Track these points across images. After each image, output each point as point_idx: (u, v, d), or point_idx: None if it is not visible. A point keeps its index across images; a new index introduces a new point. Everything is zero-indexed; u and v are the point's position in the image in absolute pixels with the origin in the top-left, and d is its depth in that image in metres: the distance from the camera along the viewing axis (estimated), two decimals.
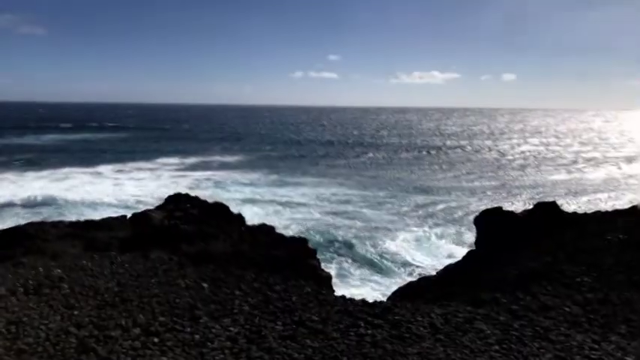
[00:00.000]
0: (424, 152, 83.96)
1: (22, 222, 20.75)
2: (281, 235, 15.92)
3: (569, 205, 37.42)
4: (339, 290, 14.40)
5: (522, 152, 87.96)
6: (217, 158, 68.27)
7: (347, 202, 38.30)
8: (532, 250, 13.64)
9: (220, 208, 17.43)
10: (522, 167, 67.19)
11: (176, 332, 8.56)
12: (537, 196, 40.82)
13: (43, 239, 14.39)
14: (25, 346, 8.13)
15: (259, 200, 39.02)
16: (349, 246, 27.25)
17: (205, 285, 11.26)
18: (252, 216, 28.63)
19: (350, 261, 24.98)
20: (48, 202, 37.69)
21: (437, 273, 17.22)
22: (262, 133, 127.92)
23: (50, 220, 19.49)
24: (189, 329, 8.68)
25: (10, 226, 18.96)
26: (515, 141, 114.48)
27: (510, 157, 79.62)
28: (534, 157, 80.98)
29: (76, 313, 9.58)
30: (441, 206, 37.15)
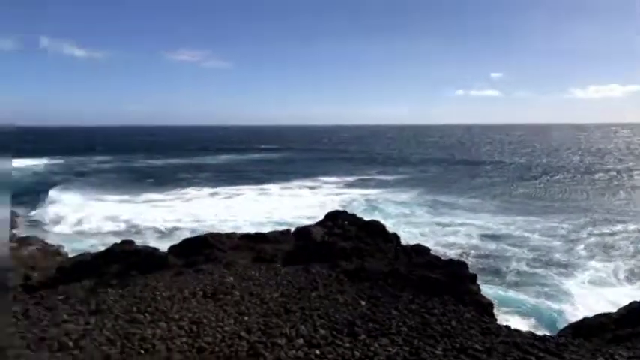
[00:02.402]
0: (613, 173, 73.53)
1: (201, 232, 23.26)
2: (437, 257, 15.49)
3: None
4: (499, 320, 13.41)
5: None
6: (374, 177, 69.01)
7: (511, 226, 35.62)
8: None
9: (377, 227, 17.61)
10: None
11: (336, 346, 8.77)
12: None
13: (220, 249, 15.93)
14: (205, 344, 9.04)
15: (414, 220, 38.42)
16: (513, 274, 25.32)
17: (363, 302, 11.40)
18: (407, 235, 28.29)
19: (512, 290, 23.16)
20: (222, 215, 41.62)
21: (618, 310, 15.13)
22: (419, 152, 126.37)
23: (223, 231, 21.38)
24: (348, 345, 8.83)
25: (188, 236, 21.43)
26: None
27: None
28: None
29: (246, 318, 10.39)
30: (626, 238, 32.58)
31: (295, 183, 62.70)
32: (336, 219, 18.61)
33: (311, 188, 58.53)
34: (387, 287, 12.58)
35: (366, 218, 19.39)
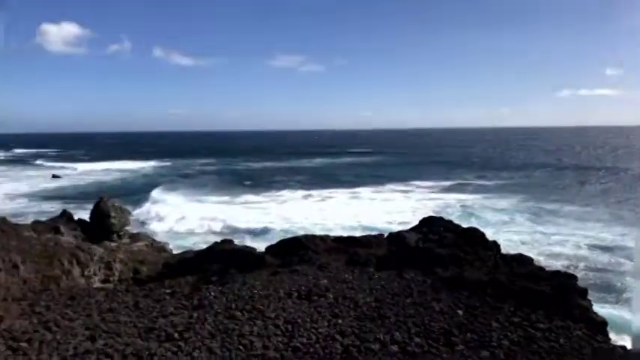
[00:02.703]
0: None
1: (294, 234, 23.70)
2: (541, 268, 14.49)
3: None
4: (613, 341, 12.20)
5: None
6: (471, 182, 66.27)
7: (627, 237, 32.37)
8: None
9: (475, 234, 16.85)
10: None
11: (432, 356, 8.49)
12: None
13: (314, 251, 16.13)
14: (300, 345, 9.16)
15: (515, 228, 36.41)
16: (629, 291, 23.06)
17: (460, 312, 10.94)
18: (507, 244, 26.83)
19: (628, 309, 21.11)
20: (314, 218, 42.23)
21: None
22: (521, 156, 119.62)
23: (314, 233, 21.60)
24: (445, 355, 8.51)
25: (281, 237, 21.93)
26: None
27: None
28: None
29: (340, 321, 10.39)
30: None
31: (387, 187, 62.12)
32: (431, 225, 18.09)
33: (403, 192, 57.70)
34: (486, 297, 11.96)
35: (462, 224, 18.66)
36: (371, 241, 17.35)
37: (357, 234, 21.21)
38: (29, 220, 26.81)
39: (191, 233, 36.88)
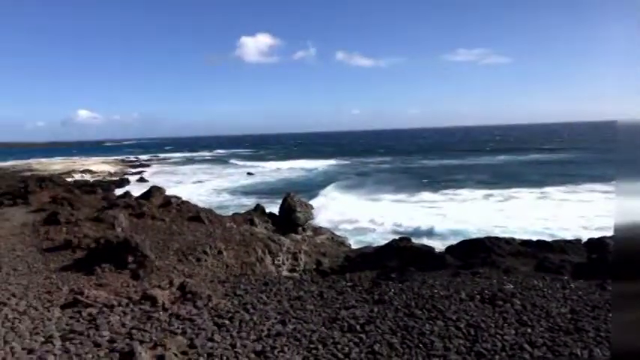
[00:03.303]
0: None
1: (472, 235, 22.66)
2: None
3: None
4: None
5: None
6: None
7: None
8: None
9: None
10: None
11: None
12: None
13: (498, 254, 15.20)
14: (484, 350, 8.69)
15: None
16: None
17: None
18: None
19: None
20: (495, 219, 39.71)
21: None
22: None
23: (498, 236, 20.33)
24: None
25: (461, 238, 21.09)
26: None
27: None
28: None
29: (529, 330, 9.60)
30: None
31: (583, 187, 55.48)
32: None
33: (605, 193, 50.89)
34: None
35: None
36: (565, 246, 15.73)
37: (544, 239, 19.37)
38: (230, 212, 30.37)
39: (365, 230, 37.62)
